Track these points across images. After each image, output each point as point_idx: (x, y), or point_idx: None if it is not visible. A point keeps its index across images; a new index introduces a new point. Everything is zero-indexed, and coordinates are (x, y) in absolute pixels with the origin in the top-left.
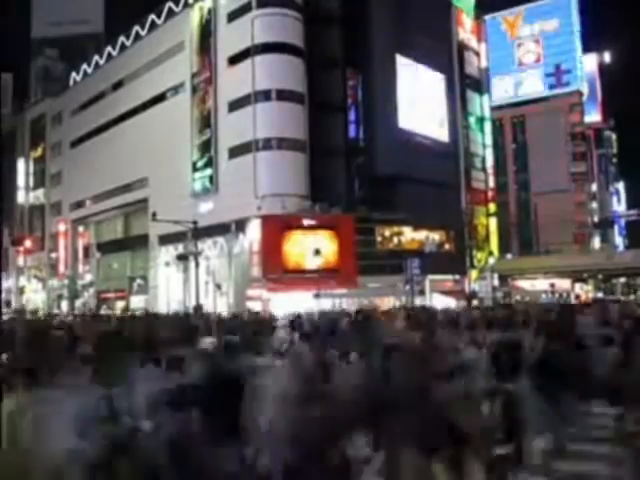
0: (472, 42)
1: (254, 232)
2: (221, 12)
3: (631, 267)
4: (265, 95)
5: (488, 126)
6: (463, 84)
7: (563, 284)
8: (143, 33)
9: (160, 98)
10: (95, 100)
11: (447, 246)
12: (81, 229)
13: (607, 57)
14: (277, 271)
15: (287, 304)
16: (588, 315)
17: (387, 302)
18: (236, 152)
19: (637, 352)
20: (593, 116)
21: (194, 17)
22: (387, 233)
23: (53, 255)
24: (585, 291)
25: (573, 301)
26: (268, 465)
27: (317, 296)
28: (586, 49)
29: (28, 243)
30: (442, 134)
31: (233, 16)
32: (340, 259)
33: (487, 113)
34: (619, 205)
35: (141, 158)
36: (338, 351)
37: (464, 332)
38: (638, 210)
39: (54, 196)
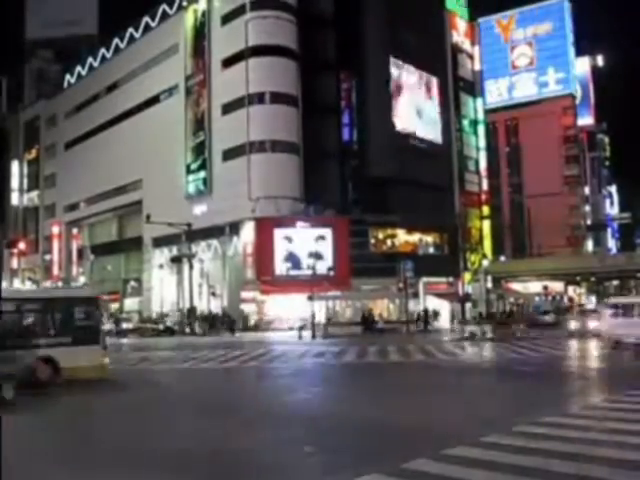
0: (466, 45)
1: (248, 234)
2: (215, 15)
3: (624, 270)
4: (259, 98)
5: (482, 129)
6: (457, 87)
7: (556, 286)
8: (137, 35)
9: (154, 100)
10: (89, 102)
11: (441, 248)
12: (75, 231)
13: (600, 60)
14: (270, 273)
15: (281, 306)
16: None
17: (380, 304)
18: (230, 155)
19: None
20: (586, 119)
21: (188, 20)
22: (381, 235)
23: (47, 257)
24: (578, 294)
25: (566, 303)
26: None
27: (310, 298)
28: (579, 52)
29: (22, 245)
30: (436, 137)
31: (227, 19)
32: (334, 261)
33: (481, 116)
34: (612, 208)
35: (135, 160)
36: None
37: None
38: (631, 213)
39: (48, 198)
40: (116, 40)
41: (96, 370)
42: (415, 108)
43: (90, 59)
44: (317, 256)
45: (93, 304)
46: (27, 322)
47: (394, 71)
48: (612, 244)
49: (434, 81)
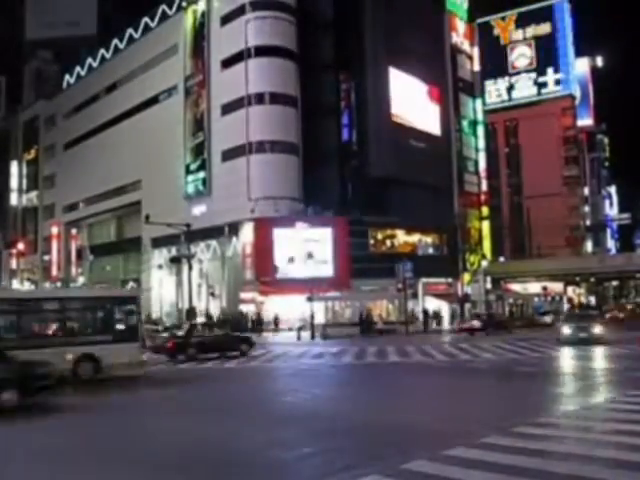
0: (465, 46)
1: (247, 235)
2: (214, 15)
3: (623, 270)
4: (258, 98)
5: (481, 130)
6: (456, 88)
7: (555, 287)
8: (137, 36)
9: (153, 101)
10: (89, 103)
11: (440, 249)
12: (74, 232)
13: (599, 61)
14: (270, 274)
15: (280, 307)
16: None
17: (380, 305)
18: (229, 155)
19: None
20: (585, 120)
21: (188, 20)
22: (380, 236)
23: (46, 258)
24: (577, 294)
25: (565, 304)
26: None
27: (310, 299)
28: (578, 53)
29: (21, 246)
30: (435, 137)
31: (226, 19)
32: (333, 262)
33: (480, 117)
34: (611, 209)
35: (134, 161)
36: None
37: None
38: (630, 214)
39: (47, 199)
40: (115, 41)
41: (135, 367)
42: (415, 109)
43: (89, 59)
44: (316, 257)
45: (133, 303)
46: (71, 320)
47: (393, 71)
48: (611, 245)
49: (433, 81)
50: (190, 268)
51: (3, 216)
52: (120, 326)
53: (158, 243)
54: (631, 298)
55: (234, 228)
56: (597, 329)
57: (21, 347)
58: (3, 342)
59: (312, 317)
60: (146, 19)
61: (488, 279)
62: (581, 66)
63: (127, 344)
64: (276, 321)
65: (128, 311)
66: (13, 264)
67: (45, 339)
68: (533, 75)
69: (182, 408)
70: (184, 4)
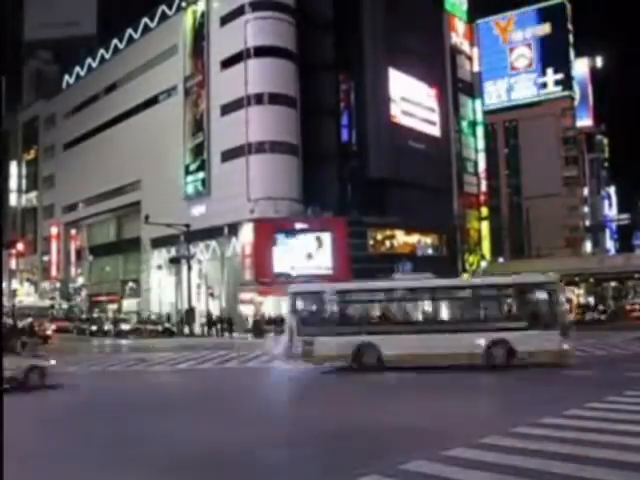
0: (464, 46)
1: (247, 235)
2: (214, 16)
3: (622, 271)
4: (258, 98)
5: (480, 130)
6: (455, 88)
7: None
8: (136, 36)
9: (153, 101)
10: (88, 103)
11: (439, 250)
12: (73, 232)
13: (599, 61)
14: (269, 274)
15: (279, 307)
16: None
17: None
18: (229, 155)
19: None
20: (585, 120)
21: (187, 20)
22: (379, 236)
23: (45, 258)
24: (577, 295)
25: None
26: None
27: None
28: (578, 53)
29: (20, 246)
30: (434, 138)
31: (226, 20)
32: (333, 262)
33: (480, 117)
34: (610, 209)
35: (134, 161)
36: None
37: None
38: (629, 214)
39: (47, 199)
40: (115, 41)
41: (554, 356)
42: (414, 109)
43: (89, 60)
44: (316, 257)
45: (551, 289)
46: (484, 307)
47: (393, 72)
48: (610, 245)
49: (433, 82)
50: (189, 268)
51: (2, 216)
52: (536, 313)
53: (157, 243)
54: (630, 299)
55: (233, 228)
56: None
57: (427, 332)
58: (418, 326)
59: None
60: (146, 19)
61: None
62: (581, 66)
63: (544, 331)
64: (257, 323)
65: (545, 298)
66: (12, 264)
67: (457, 324)
68: (533, 76)
69: (185, 407)
70: (184, 4)
